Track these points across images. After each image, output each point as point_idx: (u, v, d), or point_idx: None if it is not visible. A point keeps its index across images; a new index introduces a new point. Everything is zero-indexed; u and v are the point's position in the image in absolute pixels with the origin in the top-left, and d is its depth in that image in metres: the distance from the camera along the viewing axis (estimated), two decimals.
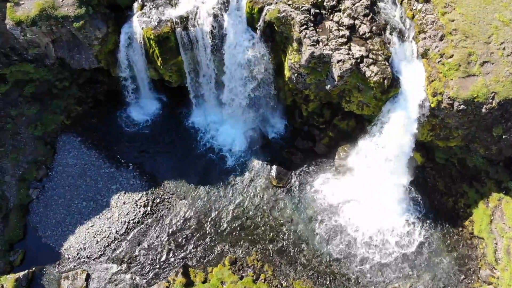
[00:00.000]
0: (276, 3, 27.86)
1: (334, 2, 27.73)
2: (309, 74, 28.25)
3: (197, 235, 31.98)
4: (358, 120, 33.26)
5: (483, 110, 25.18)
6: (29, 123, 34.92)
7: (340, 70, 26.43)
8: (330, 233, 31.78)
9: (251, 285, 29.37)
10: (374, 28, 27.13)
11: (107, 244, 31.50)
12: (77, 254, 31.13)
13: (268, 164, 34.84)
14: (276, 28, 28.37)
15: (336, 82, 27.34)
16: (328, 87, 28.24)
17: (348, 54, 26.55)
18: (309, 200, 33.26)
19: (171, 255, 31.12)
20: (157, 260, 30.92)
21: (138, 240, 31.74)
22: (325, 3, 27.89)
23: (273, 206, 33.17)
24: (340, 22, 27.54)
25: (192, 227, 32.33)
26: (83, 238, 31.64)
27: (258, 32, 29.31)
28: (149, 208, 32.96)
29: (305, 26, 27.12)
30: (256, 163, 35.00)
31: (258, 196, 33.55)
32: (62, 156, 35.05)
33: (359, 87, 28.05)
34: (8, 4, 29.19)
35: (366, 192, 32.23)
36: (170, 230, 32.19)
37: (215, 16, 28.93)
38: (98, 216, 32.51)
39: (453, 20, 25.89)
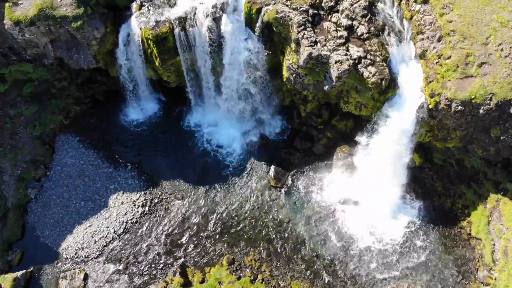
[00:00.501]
0: (274, 3, 27.86)
1: (332, 2, 27.74)
2: (307, 74, 28.26)
3: (195, 235, 32.01)
4: (357, 121, 33.26)
5: (481, 111, 25.15)
6: (27, 123, 34.97)
7: (338, 71, 26.44)
8: (328, 233, 31.79)
9: (249, 285, 29.41)
10: (372, 29, 27.13)
11: (105, 244, 31.55)
12: (75, 254, 31.19)
13: (266, 165, 34.86)
14: (274, 28, 28.37)
15: (334, 83, 27.34)
16: (326, 87, 28.25)
17: (346, 55, 26.55)
18: (307, 201, 33.28)
19: (169, 255, 31.14)
20: (155, 260, 30.95)
21: (136, 240, 31.77)
22: (323, 4, 27.90)
23: (271, 206, 33.19)
24: (338, 23, 27.54)
25: (190, 227, 32.35)
26: (81, 238, 31.70)
27: (257, 32, 29.29)
28: (147, 208, 33.00)
29: (303, 26, 27.13)
30: (254, 164, 35.02)
31: (256, 196, 33.57)
32: (61, 156, 35.11)
33: (357, 88, 28.05)
34: (7, 4, 29.25)
35: (364, 193, 32.23)
36: (168, 230, 32.22)
37: (213, 16, 28.91)
38: (96, 216, 32.56)
39: (451, 21, 25.85)
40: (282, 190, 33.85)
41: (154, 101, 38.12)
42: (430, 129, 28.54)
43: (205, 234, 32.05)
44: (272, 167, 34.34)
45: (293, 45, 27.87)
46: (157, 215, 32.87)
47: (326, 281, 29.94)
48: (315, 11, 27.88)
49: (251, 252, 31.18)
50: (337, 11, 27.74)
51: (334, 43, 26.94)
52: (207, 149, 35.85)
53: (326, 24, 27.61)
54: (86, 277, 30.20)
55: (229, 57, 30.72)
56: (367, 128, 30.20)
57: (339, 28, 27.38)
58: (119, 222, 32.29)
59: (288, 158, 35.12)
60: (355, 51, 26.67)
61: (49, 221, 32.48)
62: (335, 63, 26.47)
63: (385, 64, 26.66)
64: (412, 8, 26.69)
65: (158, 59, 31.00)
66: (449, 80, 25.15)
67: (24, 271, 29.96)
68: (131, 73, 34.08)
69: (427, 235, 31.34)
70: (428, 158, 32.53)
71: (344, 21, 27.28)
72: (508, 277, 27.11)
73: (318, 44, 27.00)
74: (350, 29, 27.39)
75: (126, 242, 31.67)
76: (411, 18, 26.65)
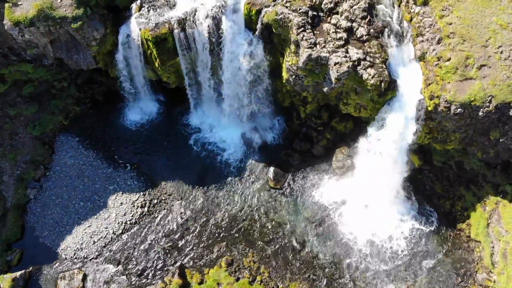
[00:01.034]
0: (274, 5, 27.84)
1: (332, 4, 27.70)
2: (307, 76, 28.25)
3: (194, 236, 32.01)
4: (356, 122, 33.25)
5: (480, 113, 25.13)
6: (27, 123, 35.01)
7: (337, 72, 26.40)
8: (327, 235, 31.77)
9: (248, 286, 29.41)
10: (371, 30, 27.09)
11: (104, 244, 31.57)
12: (74, 254, 31.22)
13: (266, 166, 34.85)
14: (274, 30, 28.35)
15: (333, 85, 27.32)
16: (325, 89, 28.23)
17: (345, 56, 26.52)
18: (306, 202, 33.25)
19: (167, 256, 31.15)
20: (154, 261, 30.96)
21: (135, 241, 31.79)
22: (322, 6, 27.86)
23: (270, 207, 33.18)
24: (337, 25, 27.49)
25: (189, 228, 32.36)
26: (80, 238, 31.72)
27: (256, 34, 29.28)
28: (146, 209, 33.01)
29: (302, 28, 27.10)
30: (254, 165, 35.01)
31: (255, 198, 33.56)
32: (60, 156, 35.15)
33: (356, 90, 28.02)
34: (6, 5, 29.23)
35: (363, 195, 32.19)
36: (167, 231, 32.23)
37: (213, 17, 28.91)
38: (95, 217, 32.58)
39: (450, 23, 25.83)
40: (281, 191, 33.84)
41: (154, 102, 38.12)
42: (429, 131, 28.50)
43: (204, 235, 32.05)
44: (272, 168, 34.32)
45: (292, 47, 27.86)
46: (156, 216, 32.89)
47: (325, 282, 29.93)
48: (315, 13, 27.85)
49: (250, 253, 31.18)
50: (337, 13, 27.69)
51: (333, 44, 26.91)
52: (206, 150, 35.84)
53: (325, 26, 27.59)
54: (85, 277, 30.22)
55: (229, 58, 30.71)
56: (366, 131, 30.18)
57: (339, 30, 27.35)
58: (118, 223, 32.30)
59: (287, 159, 35.10)
60: (355, 52, 26.63)
61: (48, 222, 32.52)
62: (335, 64, 26.45)
63: (384, 66, 26.62)
64: (412, 10, 26.68)
65: (157, 60, 31.00)
66: (449, 82, 25.14)
67: (23, 271, 29.99)
68: (130, 74, 34.09)
69: (426, 237, 31.29)
70: (428, 160, 32.47)
71: (344, 23, 27.25)
72: (507, 279, 27.08)
73: (318, 45, 26.99)
74: (349, 31, 27.35)
75: (125, 243, 31.69)
76: (411, 20, 26.64)
